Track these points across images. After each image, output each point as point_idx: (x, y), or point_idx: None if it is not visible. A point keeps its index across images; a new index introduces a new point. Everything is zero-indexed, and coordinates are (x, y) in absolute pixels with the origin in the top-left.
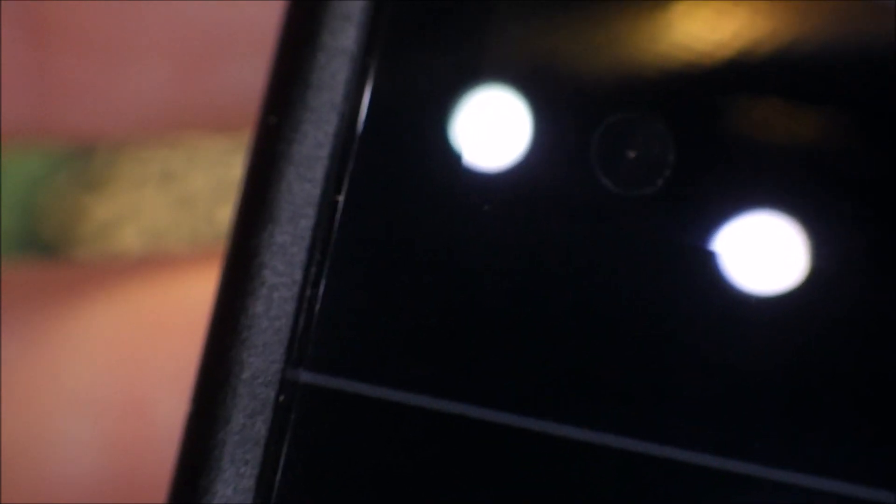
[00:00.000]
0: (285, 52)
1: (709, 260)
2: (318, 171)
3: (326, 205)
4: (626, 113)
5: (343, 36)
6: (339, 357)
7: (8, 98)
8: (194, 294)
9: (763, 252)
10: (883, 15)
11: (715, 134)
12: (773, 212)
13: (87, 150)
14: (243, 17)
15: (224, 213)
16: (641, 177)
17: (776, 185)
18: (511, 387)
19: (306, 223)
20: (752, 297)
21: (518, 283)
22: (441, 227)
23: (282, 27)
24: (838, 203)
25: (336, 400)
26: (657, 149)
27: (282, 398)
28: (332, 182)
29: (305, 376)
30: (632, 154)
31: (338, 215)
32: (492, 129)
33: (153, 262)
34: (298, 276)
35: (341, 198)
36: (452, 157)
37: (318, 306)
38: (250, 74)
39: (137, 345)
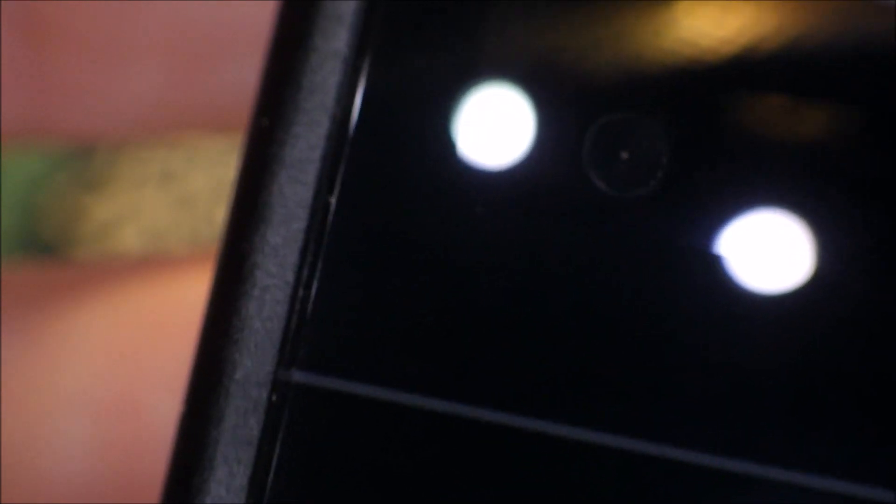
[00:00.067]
0: (277, 54)
1: (702, 260)
2: (311, 173)
3: (318, 207)
4: (619, 113)
5: (335, 38)
6: (331, 356)
7: (7, 98)
8: (193, 294)
9: (757, 252)
10: (883, 15)
11: (708, 135)
12: (767, 212)
13: (87, 150)
14: (242, 17)
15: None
16: (634, 177)
17: (769, 185)
18: (501, 386)
19: (298, 225)
20: (746, 297)
21: (510, 283)
22: (433, 228)
23: (273, 29)
24: (831, 202)
25: (328, 399)
26: (650, 149)
27: (274, 398)
28: (324, 184)
29: (298, 376)
30: (625, 154)
31: (330, 217)
32: (484, 130)
33: (152, 263)
34: (291, 277)
35: (333, 199)
36: (444, 159)
37: (310, 307)
38: (249, 74)
39: (136, 345)
